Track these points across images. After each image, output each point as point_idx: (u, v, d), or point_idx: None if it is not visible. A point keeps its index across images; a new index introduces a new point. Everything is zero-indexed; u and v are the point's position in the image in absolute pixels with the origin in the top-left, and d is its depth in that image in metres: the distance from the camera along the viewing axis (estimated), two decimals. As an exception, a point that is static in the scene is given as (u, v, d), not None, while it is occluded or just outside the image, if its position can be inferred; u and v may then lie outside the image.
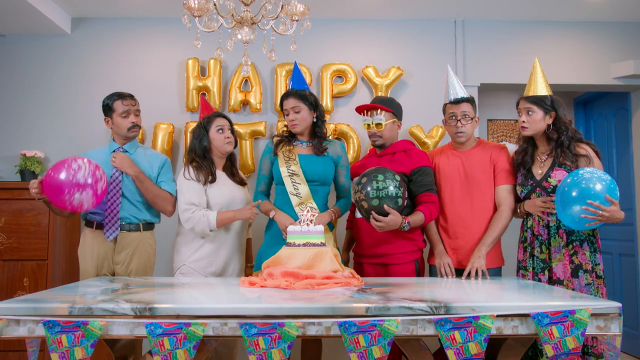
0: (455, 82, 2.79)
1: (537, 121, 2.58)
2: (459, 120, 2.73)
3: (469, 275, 2.55)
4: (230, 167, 2.91)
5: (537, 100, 2.58)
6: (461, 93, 2.76)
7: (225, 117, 2.85)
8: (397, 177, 2.52)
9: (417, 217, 2.60)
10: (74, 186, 2.43)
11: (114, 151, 2.79)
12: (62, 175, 2.43)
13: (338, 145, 2.86)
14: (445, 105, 2.82)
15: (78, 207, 2.48)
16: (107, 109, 2.79)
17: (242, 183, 2.90)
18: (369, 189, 2.47)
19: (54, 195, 2.45)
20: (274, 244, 2.64)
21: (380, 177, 2.49)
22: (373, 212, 2.48)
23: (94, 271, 2.73)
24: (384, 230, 2.53)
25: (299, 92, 2.74)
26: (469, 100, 2.75)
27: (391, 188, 2.47)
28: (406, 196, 2.56)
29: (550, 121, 2.57)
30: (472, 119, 2.74)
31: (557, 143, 2.56)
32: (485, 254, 2.60)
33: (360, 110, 2.85)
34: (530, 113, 2.58)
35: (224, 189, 2.77)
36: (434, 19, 3.89)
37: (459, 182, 2.74)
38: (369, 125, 2.79)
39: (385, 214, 2.47)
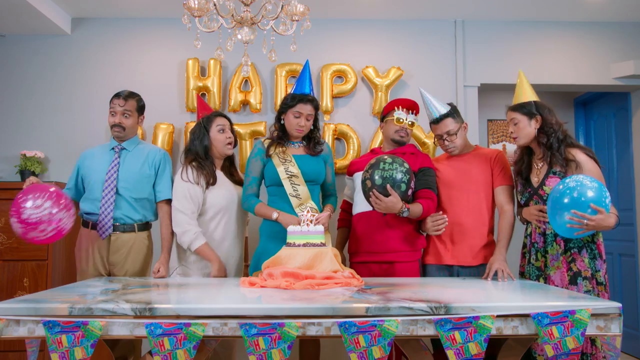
0: (429, 101, 2.80)
1: (523, 129, 2.57)
2: (445, 139, 2.77)
3: (495, 276, 2.52)
4: (229, 167, 2.89)
5: (519, 107, 2.58)
6: (438, 111, 2.77)
7: (225, 116, 2.83)
8: (406, 165, 2.56)
9: (417, 208, 2.63)
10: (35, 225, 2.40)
11: (112, 149, 2.80)
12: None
13: (325, 144, 2.88)
14: (430, 124, 2.85)
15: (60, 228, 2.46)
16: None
17: (240, 183, 2.87)
18: (376, 169, 2.53)
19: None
20: (272, 244, 2.63)
21: (389, 160, 2.54)
22: (374, 190, 2.50)
23: (90, 272, 2.73)
24: (381, 212, 2.55)
25: (316, 101, 2.77)
26: (449, 114, 2.75)
27: (397, 172, 2.51)
28: (412, 186, 2.58)
29: (537, 126, 2.56)
30: (456, 133, 2.75)
31: (547, 146, 2.54)
32: (505, 255, 2.60)
33: (397, 104, 2.87)
34: (515, 123, 2.58)
35: (223, 191, 2.74)
36: (434, 19, 3.89)
37: (455, 183, 2.78)
38: (401, 120, 2.82)
39: (387, 196, 2.49)
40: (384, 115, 2.92)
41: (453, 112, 2.78)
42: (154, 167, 2.81)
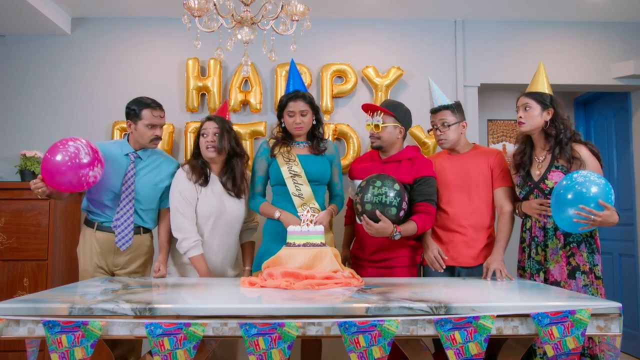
0: (435, 91, 2.82)
1: (533, 117, 2.57)
2: (438, 128, 2.76)
3: (494, 276, 2.52)
4: (228, 174, 2.75)
5: (536, 96, 2.58)
6: (439, 101, 2.78)
7: (215, 119, 2.75)
8: (397, 187, 2.51)
9: (409, 227, 2.57)
10: (82, 167, 2.47)
11: (126, 155, 2.76)
12: (61, 159, 2.46)
13: (331, 144, 2.88)
14: (430, 115, 2.85)
15: (93, 182, 2.54)
16: (133, 115, 2.72)
17: (238, 194, 2.75)
18: (365, 193, 2.50)
19: (67, 183, 2.47)
20: (275, 244, 2.63)
21: (378, 183, 2.50)
22: (364, 216, 2.49)
23: (93, 271, 2.72)
24: (373, 236, 2.54)
25: (308, 95, 2.75)
26: (448, 107, 2.76)
27: (387, 196, 2.47)
28: (404, 207, 2.54)
29: (548, 118, 2.57)
30: (450, 125, 2.74)
31: (556, 141, 2.55)
32: (502, 256, 2.60)
33: (365, 110, 2.86)
34: (527, 109, 2.58)
35: (211, 200, 2.69)
36: (434, 19, 3.89)
37: (455, 184, 2.76)
38: (369, 125, 2.80)
39: (379, 220, 2.47)
40: None
41: (454, 107, 2.78)
42: (167, 181, 2.79)
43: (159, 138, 2.78)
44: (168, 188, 2.78)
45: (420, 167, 2.73)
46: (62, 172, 2.45)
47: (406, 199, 2.57)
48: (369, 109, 2.83)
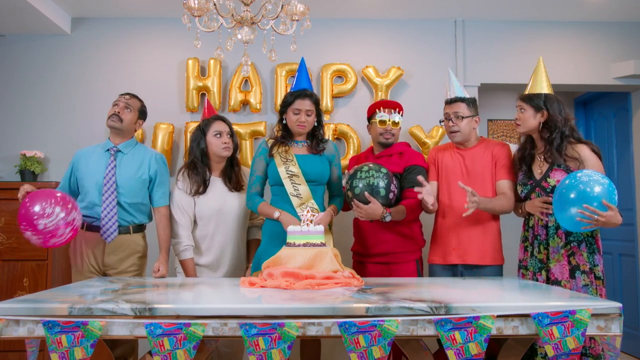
0: (453, 82, 2.83)
1: (526, 119, 2.59)
2: (451, 119, 2.77)
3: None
4: (229, 171, 2.87)
5: (527, 99, 2.61)
6: (456, 93, 2.80)
7: (224, 120, 2.84)
8: (384, 170, 2.57)
9: (399, 209, 2.63)
10: (52, 237, 2.44)
11: (107, 150, 2.78)
12: (32, 234, 2.44)
13: (331, 144, 2.88)
14: (444, 105, 2.87)
15: (51, 232, 2.44)
16: None
17: (238, 188, 2.86)
18: (354, 179, 2.56)
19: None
20: (274, 244, 2.64)
21: (365, 168, 2.57)
22: (354, 200, 2.52)
23: (86, 271, 2.72)
24: (365, 220, 2.58)
25: (315, 96, 2.77)
26: (464, 100, 2.78)
27: (375, 178, 2.53)
28: (393, 189, 2.59)
29: (542, 120, 2.57)
30: (464, 118, 2.75)
31: (548, 142, 2.56)
32: (479, 204, 2.55)
33: (378, 107, 2.88)
34: (522, 111, 2.60)
35: (212, 200, 2.77)
36: (434, 19, 3.88)
37: (461, 180, 2.74)
38: (384, 121, 2.82)
39: (367, 204, 2.51)
40: (369, 117, 2.95)
41: (469, 101, 2.80)
42: (151, 172, 2.80)
43: (116, 115, 2.76)
44: (153, 182, 2.80)
45: (409, 158, 2.81)
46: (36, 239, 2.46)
47: (395, 181, 2.62)
48: (393, 105, 2.87)
